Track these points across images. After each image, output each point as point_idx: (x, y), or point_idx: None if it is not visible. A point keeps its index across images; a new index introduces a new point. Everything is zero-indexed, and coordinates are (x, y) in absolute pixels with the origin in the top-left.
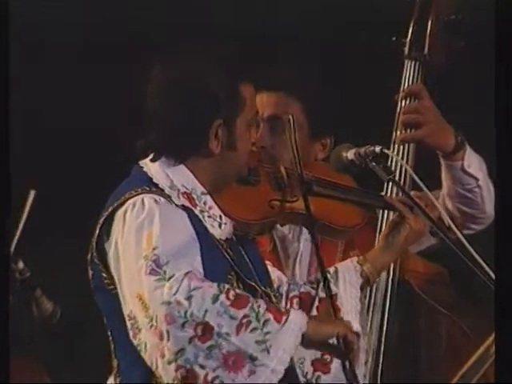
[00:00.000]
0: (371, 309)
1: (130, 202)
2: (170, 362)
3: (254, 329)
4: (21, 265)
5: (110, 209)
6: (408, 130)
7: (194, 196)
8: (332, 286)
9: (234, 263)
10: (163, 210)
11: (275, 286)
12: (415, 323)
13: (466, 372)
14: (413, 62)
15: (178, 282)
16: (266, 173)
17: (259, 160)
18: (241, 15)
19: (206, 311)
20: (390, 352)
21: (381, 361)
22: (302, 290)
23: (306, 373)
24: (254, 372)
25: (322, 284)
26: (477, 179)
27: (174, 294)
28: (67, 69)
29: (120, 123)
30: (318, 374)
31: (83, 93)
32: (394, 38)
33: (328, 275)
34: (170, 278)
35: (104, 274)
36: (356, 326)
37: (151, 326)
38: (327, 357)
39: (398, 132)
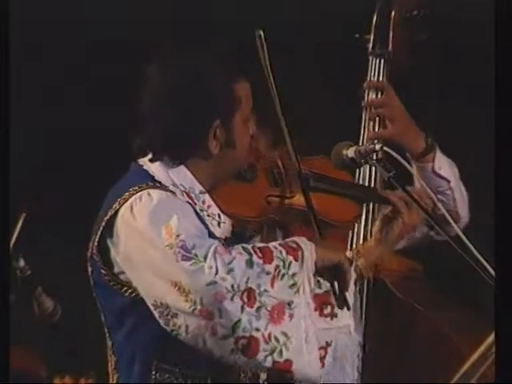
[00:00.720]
0: None
1: (136, 196)
2: (226, 337)
3: (283, 275)
4: (22, 263)
5: (115, 206)
6: (376, 129)
7: (193, 195)
8: (326, 281)
9: None
10: (172, 202)
11: None
12: (391, 322)
13: (466, 371)
14: (377, 59)
15: (215, 260)
16: (264, 168)
17: (257, 155)
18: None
19: (248, 278)
20: (368, 352)
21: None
22: None
23: None
24: (292, 315)
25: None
26: (448, 181)
27: (217, 273)
28: (67, 68)
29: (121, 123)
30: None
31: (82, 93)
32: (357, 35)
33: None
34: (205, 259)
35: (103, 271)
36: (350, 322)
37: (194, 310)
38: (321, 352)
39: (366, 131)
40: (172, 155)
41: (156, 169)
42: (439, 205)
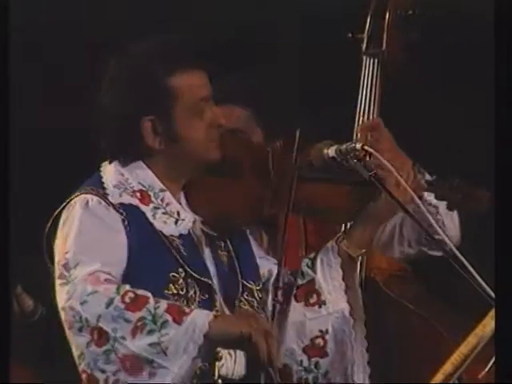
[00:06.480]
0: None
1: (71, 202)
2: (78, 364)
3: (151, 331)
4: None
5: (59, 210)
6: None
7: (151, 193)
8: (309, 271)
9: (183, 260)
10: (87, 210)
11: (264, 279)
12: (383, 321)
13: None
14: (371, 59)
15: (74, 287)
16: (252, 163)
17: (246, 150)
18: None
19: (100, 316)
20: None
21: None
22: (286, 280)
23: (301, 361)
24: (154, 374)
25: (300, 271)
26: (436, 207)
27: (69, 300)
28: (67, 68)
29: None
30: (315, 359)
31: (80, 92)
32: (350, 35)
33: (307, 261)
34: (71, 282)
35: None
36: (344, 306)
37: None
38: (319, 341)
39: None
40: (116, 155)
41: (109, 170)
42: (419, 204)
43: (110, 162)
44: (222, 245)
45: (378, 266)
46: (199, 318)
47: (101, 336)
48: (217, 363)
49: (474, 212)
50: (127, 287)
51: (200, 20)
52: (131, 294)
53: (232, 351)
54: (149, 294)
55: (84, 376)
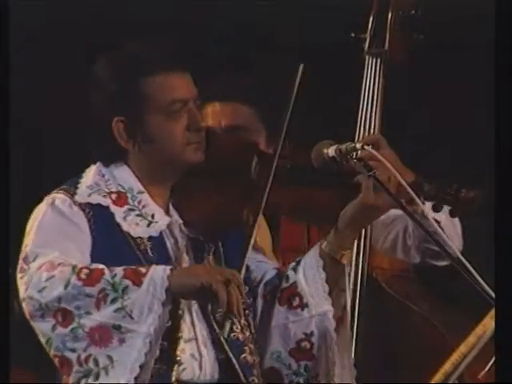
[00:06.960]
0: None
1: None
2: (48, 351)
3: (114, 299)
4: None
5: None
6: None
7: (129, 195)
8: (292, 273)
9: (147, 262)
10: (51, 207)
11: (255, 283)
12: (386, 320)
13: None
14: (373, 59)
15: (30, 277)
16: (237, 165)
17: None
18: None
19: (60, 298)
20: (362, 351)
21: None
22: (273, 284)
23: (289, 364)
24: (123, 340)
25: (285, 275)
26: (438, 222)
27: (26, 290)
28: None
29: None
30: (303, 363)
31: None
32: (353, 34)
33: (293, 264)
34: (27, 274)
35: None
36: (327, 309)
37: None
38: (305, 344)
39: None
40: (101, 154)
41: (91, 171)
42: (422, 206)
43: (95, 163)
44: (213, 249)
45: (380, 265)
46: (157, 275)
47: (65, 316)
48: (175, 367)
49: (464, 213)
50: (80, 265)
51: (200, 19)
52: (86, 270)
53: (197, 354)
54: (102, 266)
55: (56, 360)
